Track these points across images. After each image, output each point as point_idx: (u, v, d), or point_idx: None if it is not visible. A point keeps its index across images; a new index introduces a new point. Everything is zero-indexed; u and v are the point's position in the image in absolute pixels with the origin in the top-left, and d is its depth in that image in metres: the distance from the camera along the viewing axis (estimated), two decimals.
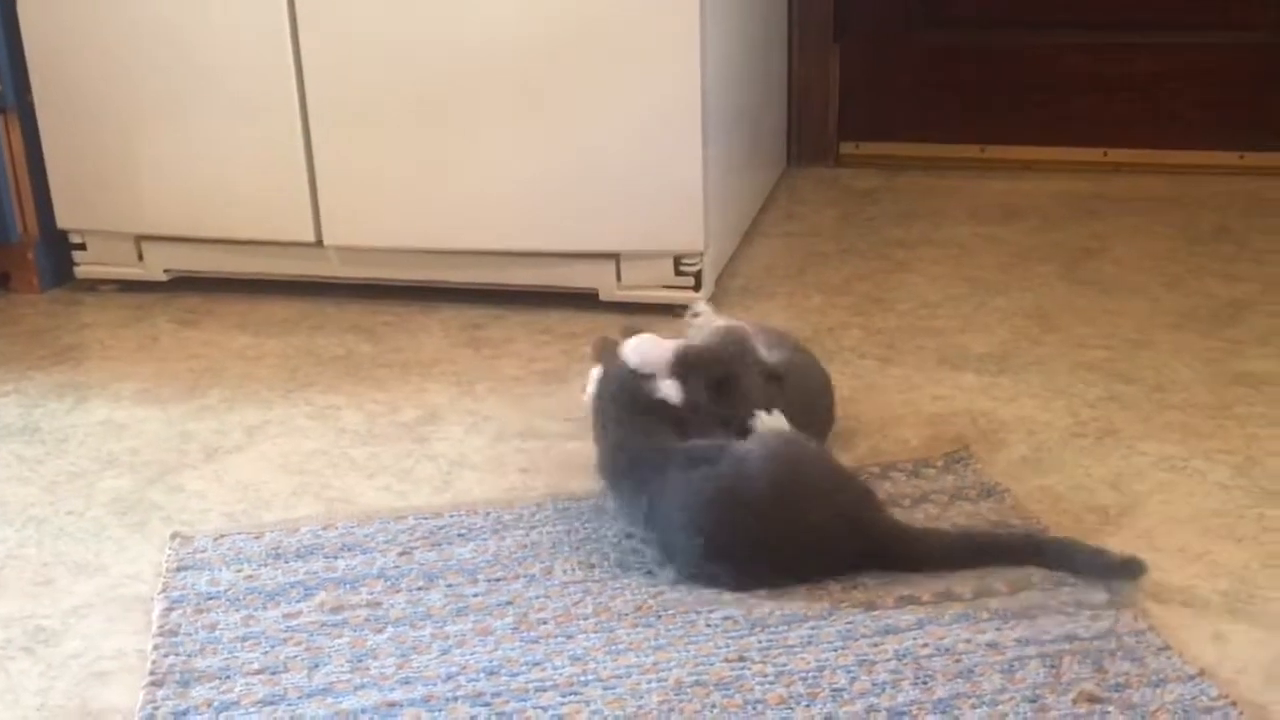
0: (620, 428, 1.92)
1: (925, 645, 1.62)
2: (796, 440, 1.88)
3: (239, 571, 1.87)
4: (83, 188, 2.85)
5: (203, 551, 1.92)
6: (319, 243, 2.79)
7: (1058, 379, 2.42)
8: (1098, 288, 2.86)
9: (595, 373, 2.02)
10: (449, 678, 1.60)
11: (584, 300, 2.77)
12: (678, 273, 2.72)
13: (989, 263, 3.02)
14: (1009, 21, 3.72)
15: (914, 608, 1.70)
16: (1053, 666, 1.58)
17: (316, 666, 1.64)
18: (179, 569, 1.88)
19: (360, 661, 1.64)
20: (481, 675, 1.60)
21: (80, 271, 2.94)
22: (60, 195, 2.87)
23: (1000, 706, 1.52)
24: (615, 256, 2.73)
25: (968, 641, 1.63)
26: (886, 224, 3.30)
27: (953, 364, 2.49)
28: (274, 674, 1.63)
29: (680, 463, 1.81)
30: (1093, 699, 1.52)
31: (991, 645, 1.62)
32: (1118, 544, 1.82)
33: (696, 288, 2.73)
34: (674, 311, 2.71)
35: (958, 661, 1.59)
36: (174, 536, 1.95)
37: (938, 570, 1.77)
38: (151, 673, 1.64)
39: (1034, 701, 1.52)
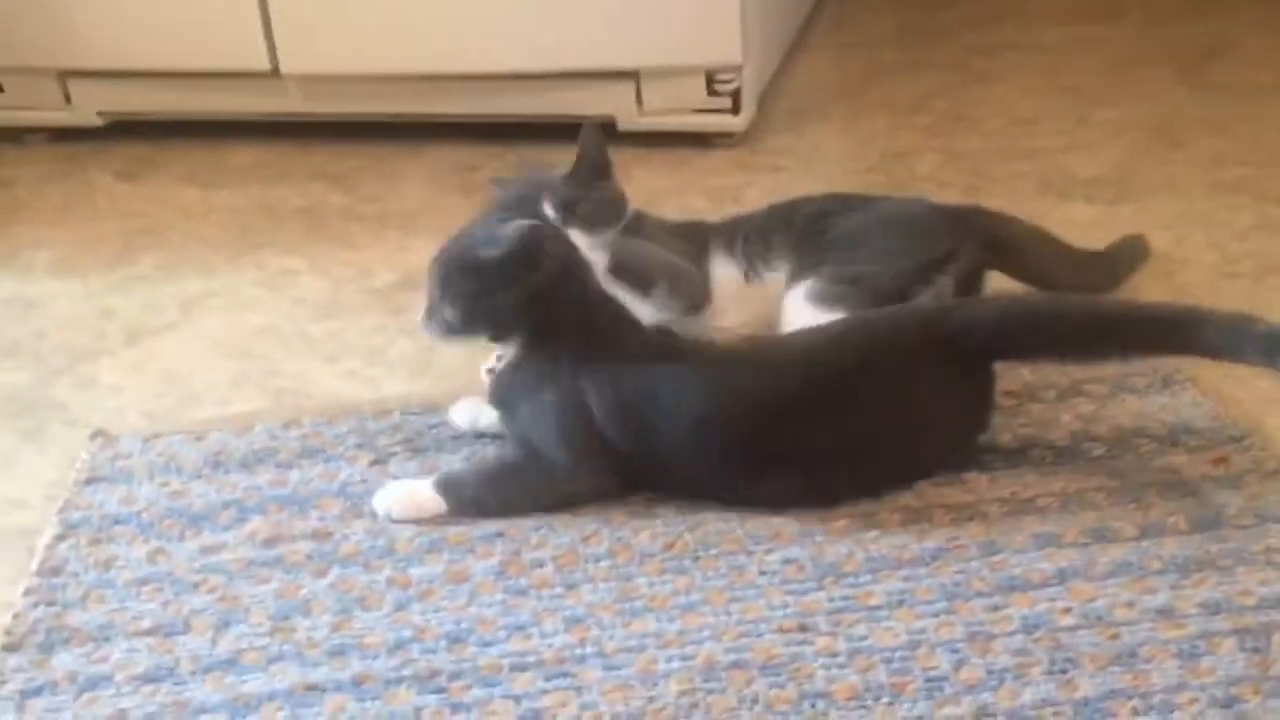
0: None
1: (1067, 610, 1.15)
2: None
3: (164, 486, 1.45)
4: None
5: (126, 457, 1.50)
6: (275, 72, 2.30)
7: (1194, 205, 1.94)
8: (1228, 92, 2.34)
9: None
10: (396, 648, 1.17)
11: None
12: (711, 92, 2.22)
13: (1090, 68, 2.50)
14: None
15: (1052, 551, 1.23)
16: (1256, 650, 1.10)
17: (227, 625, 1.22)
18: (90, 480, 1.46)
19: (286, 619, 1.22)
20: (441, 644, 1.17)
21: None
22: None
23: (1177, 714, 1.05)
24: (635, 75, 2.24)
25: (1129, 605, 1.15)
26: (961, 29, 2.77)
27: (1058, 191, 2.01)
28: (169, 635, 1.21)
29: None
30: None
31: (1165, 613, 1.15)
32: None
33: (735, 110, 2.23)
34: (707, 142, 2.23)
35: (1115, 638, 1.12)
36: (95, 436, 1.53)
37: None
38: (8, 631, 1.23)
39: (1229, 707, 1.05)
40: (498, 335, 1.41)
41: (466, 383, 1.58)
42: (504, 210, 1.60)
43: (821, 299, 1.53)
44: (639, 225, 1.66)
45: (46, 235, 2.11)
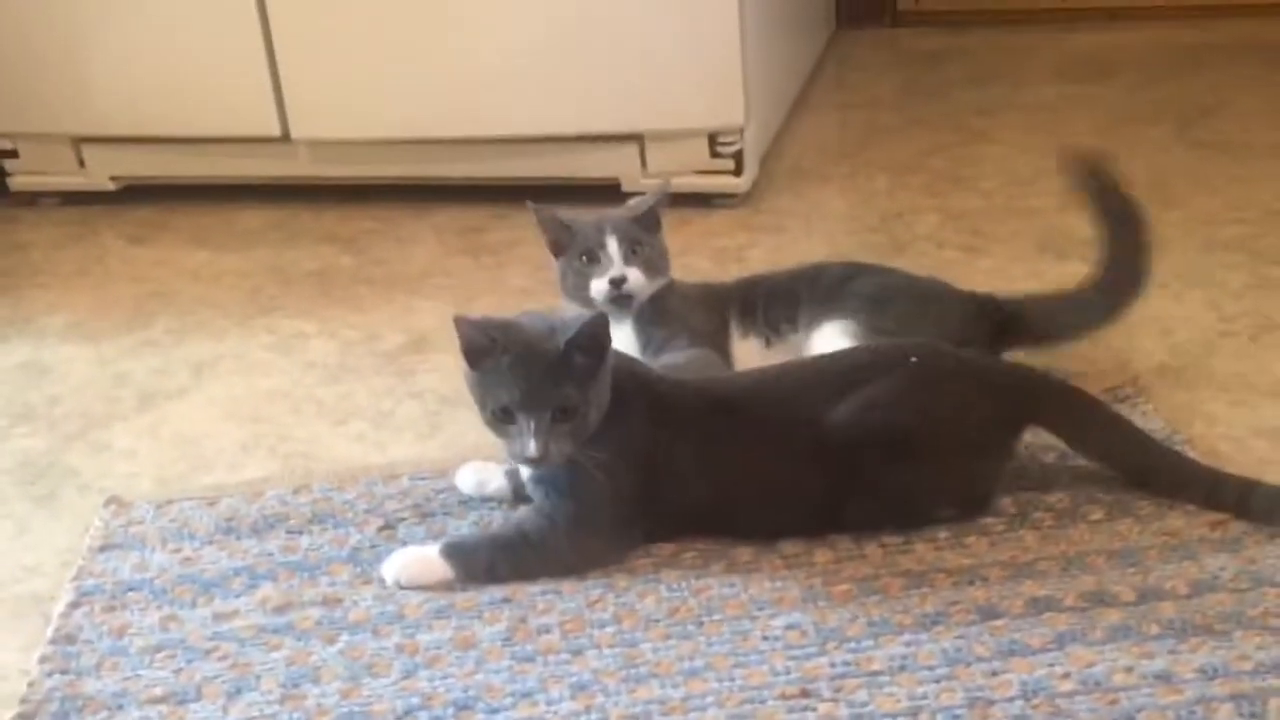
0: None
1: (1066, 676, 1.16)
2: None
3: (176, 552, 1.47)
4: (10, 82, 2.41)
5: (139, 523, 1.52)
6: (286, 137, 2.35)
7: (1190, 263, 1.96)
8: (1221, 151, 2.37)
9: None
10: (405, 715, 1.19)
11: (604, 193, 2.31)
12: (714, 154, 2.26)
13: (1085, 128, 2.54)
14: None
15: (1051, 615, 1.24)
16: (1253, 715, 1.11)
17: (239, 693, 1.24)
18: (103, 547, 1.48)
19: (296, 686, 1.24)
20: (449, 711, 1.19)
21: (14, 183, 2.52)
22: None
23: None
24: (639, 138, 2.27)
25: (1127, 671, 1.17)
26: (958, 89, 2.81)
27: (1056, 251, 2.04)
28: (181, 703, 1.23)
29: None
30: None
31: (1163, 678, 1.16)
32: None
33: (737, 172, 2.27)
34: (709, 203, 2.27)
35: (1113, 704, 1.13)
36: (108, 503, 1.55)
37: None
38: (23, 700, 1.25)
39: None
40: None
41: (473, 445, 1.60)
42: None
43: (861, 339, 1.56)
44: (671, 289, 1.70)
45: (60, 300, 2.14)
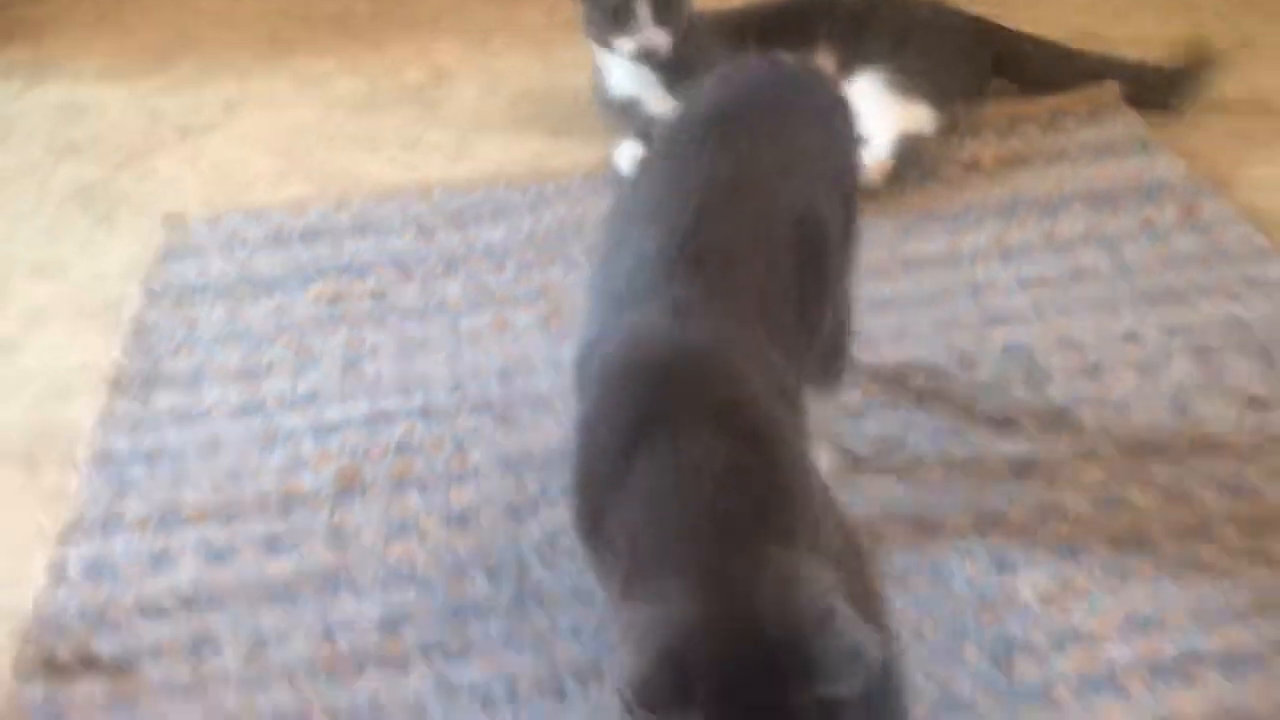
0: None
1: (1043, 337, 1.32)
2: None
3: (233, 258, 1.58)
4: None
5: (196, 236, 1.63)
6: None
7: None
8: None
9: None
10: (455, 387, 1.33)
11: None
12: None
13: None
14: None
15: (1035, 291, 1.38)
16: (1207, 363, 1.27)
17: (303, 370, 1.37)
18: (166, 257, 1.59)
19: (355, 364, 1.37)
20: (493, 378, 1.33)
21: None
22: None
23: (1134, 412, 1.22)
24: None
25: (1098, 332, 1.31)
26: None
27: None
28: (254, 379, 1.37)
29: None
30: None
31: (1130, 337, 1.31)
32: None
33: None
34: None
35: (1083, 357, 1.28)
36: (167, 218, 1.66)
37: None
38: (115, 380, 1.38)
39: (1183, 413, 1.22)
40: None
41: (498, 165, 1.71)
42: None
43: (900, 88, 1.62)
44: (692, 29, 1.67)
45: (85, 45, 2.20)
